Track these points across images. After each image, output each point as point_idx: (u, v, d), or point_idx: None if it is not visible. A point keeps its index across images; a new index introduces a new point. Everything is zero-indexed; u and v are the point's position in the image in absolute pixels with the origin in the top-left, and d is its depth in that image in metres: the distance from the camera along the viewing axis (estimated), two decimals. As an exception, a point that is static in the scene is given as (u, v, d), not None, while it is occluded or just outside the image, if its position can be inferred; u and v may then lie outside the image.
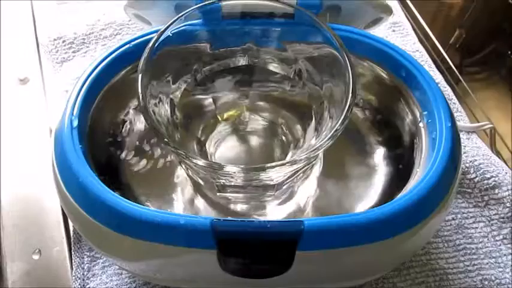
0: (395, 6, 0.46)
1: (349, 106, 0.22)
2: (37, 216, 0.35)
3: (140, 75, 0.22)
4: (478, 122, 0.40)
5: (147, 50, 0.23)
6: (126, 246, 0.23)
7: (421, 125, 0.26)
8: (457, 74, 0.44)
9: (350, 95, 0.22)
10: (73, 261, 0.33)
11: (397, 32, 0.44)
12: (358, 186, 0.28)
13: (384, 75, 0.28)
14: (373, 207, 0.26)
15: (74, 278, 0.32)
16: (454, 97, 0.41)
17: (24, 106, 0.40)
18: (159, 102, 0.24)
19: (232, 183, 0.24)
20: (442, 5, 0.52)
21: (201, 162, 0.21)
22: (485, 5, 0.50)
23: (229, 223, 0.22)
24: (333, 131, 0.21)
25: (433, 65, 0.42)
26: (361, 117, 0.30)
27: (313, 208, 0.27)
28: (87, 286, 0.32)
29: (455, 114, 0.40)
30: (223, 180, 0.23)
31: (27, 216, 0.35)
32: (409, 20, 0.46)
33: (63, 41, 0.43)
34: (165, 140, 0.21)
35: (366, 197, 0.27)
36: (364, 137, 0.30)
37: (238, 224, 0.22)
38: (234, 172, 0.21)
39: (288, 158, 0.27)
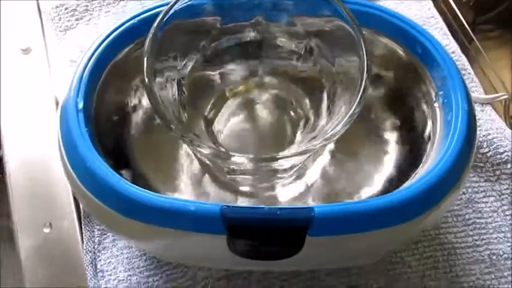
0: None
1: (363, 89, 0.21)
2: (46, 189, 0.35)
3: (146, 57, 0.21)
4: (490, 82, 0.39)
5: (152, 31, 0.22)
6: (135, 229, 0.23)
7: (436, 105, 0.25)
8: (470, 32, 0.42)
9: (364, 77, 0.21)
10: (83, 234, 0.33)
11: (413, -1, 0.42)
12: (369, 165, 0.27)
13: (400, 51, 0.27)
14: (384, 188, 0.26)
15: (84, 251, 0.33)
16: (469, 67, 0.39)
17: (28, 77, 0.39)
18: (166, 82, 0.24)
19: (242, 168, 0.24)
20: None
21: (207, 150, 0.20)
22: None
23: (239, 210, 0.21)
24: (347, 117, 0.20)
25: (448, 32, 0.41)
26: (374, 95, 0.29)
27: (323, 188, 0.27)
28: (98, 259, 0.32)
29: (469, 85, 0.39)
30: (232, 166, 0.23)
31: (36, 190, 0.35)
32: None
33: (66, 8, 0.41)
34: (171, 126, 0.20)
35: (377, 178, 0.27)
36: (376, 114, 0.29)
37: (248, 211, 0.21)
38: (242, 162, 0.20)
39: (300, 142, 0.26)
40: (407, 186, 0.22)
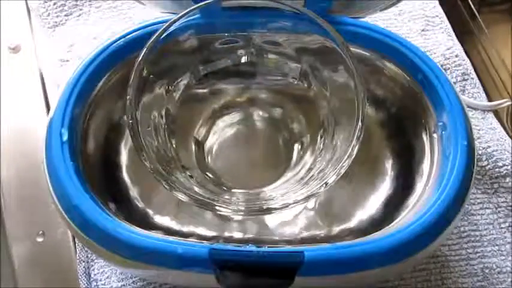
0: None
1: (359, 131, 0.21)
2: (39, 197, 0.34)
3: (128, 98, 0.20)
4: (490, 61, 0.38)
5: (137, 65, 0.21)
6: (122, 262, 0.23)
7: (435, 136, 0.25)
8: (473, 8, 0.40)
9: (360, 117, 0.21)
10: (77, 243, 0.33)
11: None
12: (362, 195, 0.27)
13: (402, 77, 0.26)
14: (376, 220, 0.25)
15: (78, 260, 0.33)
16: (472, 71, 0.38)
17: (17, 76, 0.38)
18: (151, 114, 0.23)
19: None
20: None
21: (185, 198, 0.20)
22: None
23: (227, 252, 0.21)
24: (337, 169, 0.20)
25: (452, 33, 0.39)
26: (373, 117, 0.28)
27: (315, 216, 0.27)
28: (92, 268, 0.32)
29: (472, 91, 0.38)
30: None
31: (29, 198, 0.34)
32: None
33: (54, 3, 0.39)
34: (151, 170, 0.20)
35: (370, 209, 0.26)
36: (374, 139, 0.28)
37: (236, 253, 0.21)
38: (229, 213, 0.20)
39: (292, 176, 0.25)
40: (396, 229, 0.21)
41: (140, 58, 0.21)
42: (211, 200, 0.21)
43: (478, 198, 0.34)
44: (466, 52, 0.38)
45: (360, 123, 0.20)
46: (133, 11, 0.39)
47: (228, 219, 0.25)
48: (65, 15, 0.40)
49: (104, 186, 0.25)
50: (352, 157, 0.20)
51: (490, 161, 0.34)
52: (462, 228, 0.34)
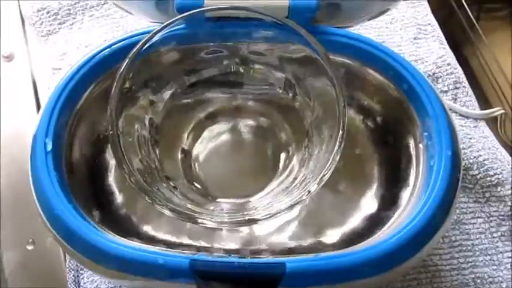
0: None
1: (339, 141, 0.20)
2: (29, 205, 0.34)
3: (109, 109, 0.20)
4: (488, 67, 0.38)
5: (119, 72, 0.21)
6: (105, 273, 0.23)
7: (420, 145, 0.24)
8: (471, 16, 0.40)
9: (340, 131, 0.21)
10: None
11: (409, 1, 0.40)
12: (348, 204, 0.26)
13: (388, 86, 0.26)
14: (361, 230, 0.25)
15: (67, 268, 0.33)
16: (464, 79, 0.38)
17: (10, 84, 0.38)
18: (134, 124, 0.23)
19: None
20: None
21: (168, 212, 0.20)
22: None
23: (208, 263, 0.21)
24: (318, 178, 0.20)
25: (444, 42, 0.39)
26: (358, 127, 0.28)
27: (299, 225, 0.26)
28: (81, 277, 0.32)
29: (464, 99, 0.38)
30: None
31: (20, 206, 0.34)
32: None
33: (48, 12, 0.40)
34: (132, 184, 0.20)
35: (355, 217, 0.26)
36: (359, 149, 0.28)
37: (217, 264, 0.21)
38: (212, 225, 0.20)
39: (278, 185, 0.25)
40: (380, 239, 0.21)
41: (122, 69, 0.21)
42: (194, 212, 0.21)
43: (469, 208, 0.34)
44: (464, 59, 0.38)
45: (340, 132, 0.20)
46: (126, 20, 0.39)
47: (213, 229, 0.25)
48: (58, 24, 0.40)
49: (89, 195, 0.25)
50: (334, 165, 0.20)
51: (481, 169, 0.34)
52: (454, 238, 0.33)
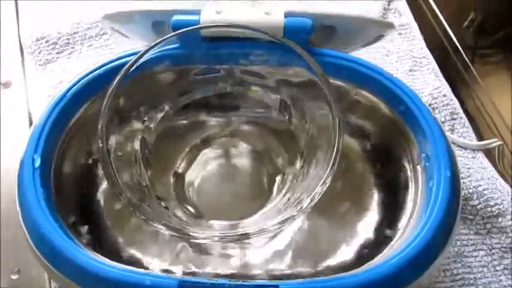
0: (403, 6, 0.43)
1: (334, 158, 0.20)
2: (14, 233, 0.33)
3: (101, 121, 0.20)
4: (484, 108, 0.38)
5: (112, 86, 0.21)
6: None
7: (418, 167, 0.24)
8: (467, 60, 0.40)
9: (335, 148, 0.20)
10: (52, 282, 0.32)
11: (404, 35, 0.41)
12: (345, 228, 0.26)
13: (384, 108, 0.26)
14: (357, 255, 0.24)
15: (53, 300, 0.31)
16: (460, 111, 0.38)
17: (6, 112, 0.38)
18: (126, 142, 0.22)
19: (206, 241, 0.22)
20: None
21: (159, 226, 0.19)
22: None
23: (197, 285, 0.20)
24: (312, 194, 0.19)
25: (439, 74, 0.39)
26: (355, 150, 0.27)
27: (295, 251, 0.25)
28: (67, 308, 0.31)
29: (461, 130, 0.37)
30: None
31: (5, 235, 0.33)
32: (416, 21, 0.42)
33: (47, 41, 0.40)
34: (121, 198, 0.19)
35: (352, 242, 0.25)
36: (356, 172, 0.27)
37: (207, 285, 0.20)
38: (207, 241, 0.19)
39: (274, 205, 0.25)
40: (378, 263, 0.20)
41: (113, 84, 0.21)
42: (187, 227, 0.20)
43: (470, 240, 0.33)
44: (460, 101, 0.39)
45: (336, 146, 0.20)
46: (124, 48, 0.40)
47: (206, 252, 0.24)
48: (57, 53, 0.40)
49: (77, 215, 0.24)
50: (329, 180, 0.20)
51: (481, 200, 0.33)
52: (455, 271, 0.32)
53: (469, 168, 0.35)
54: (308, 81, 0.23)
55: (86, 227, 0.24)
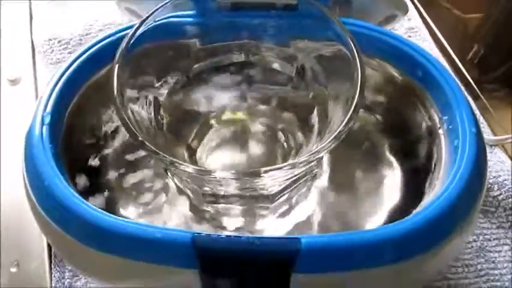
0: (411, 11, 0.43)
1: (355, 106, 0.19)
2: (16, 225, 0.32)
3: (116, 68, 0.19)
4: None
5: (125, 40, 0.21)
6: (93, 260, 0.20)
7: (440, 131, 0.23)
8: (476, 89, 0.40)
9: (357, 94, 0.19)
10: (53, 275, 0.30)
11: (413, 38, 0.41)
12: (366, 201, 0.24)
13: (397, 75, 0.25)
14: (383, 225, 0.23)
15: (53, 291, 0.29)
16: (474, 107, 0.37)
17: (14, 108, 0.38)
18: (138, 99, 0.22)
19: (222, 193, 0.21)
20: (460, 19, 0.49)
21: (189, 168, 0.18)
22: (505, 20, 0.47)
23: (213, 239, 0.18)
24: (335, 133, 0.18)
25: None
26: (371, 123, 0.27)
27: (314, 225, 0.24)
28: (67, 298, 0.29)
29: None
30: (214, 189, 0.21)
31: (5, 227, 0.32)
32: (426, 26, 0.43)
33: (59, 42, 0.40)
34: (141, 140, 0.18)
35: (375, 214, 0.24)
36: (373, 145, 0.26)
37: (224, 240, 0.18)
38: (224, 178, 0.18)
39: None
40: (412, 216, 0.19)
41: (132, 31, 0.21)
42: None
43: (493, 234, 0.32)
44: None
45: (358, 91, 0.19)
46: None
47: (219, 212, 0.23)
48: (68, 53, 0.40)
49: (86, 175, 0.23)
50: (351, 123, 0.19)
51: (502, 190, 0.32)
52: (479, 266, 0.31)
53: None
54: (330, 52, 0.23)
55: (93, 187, 0.23)
